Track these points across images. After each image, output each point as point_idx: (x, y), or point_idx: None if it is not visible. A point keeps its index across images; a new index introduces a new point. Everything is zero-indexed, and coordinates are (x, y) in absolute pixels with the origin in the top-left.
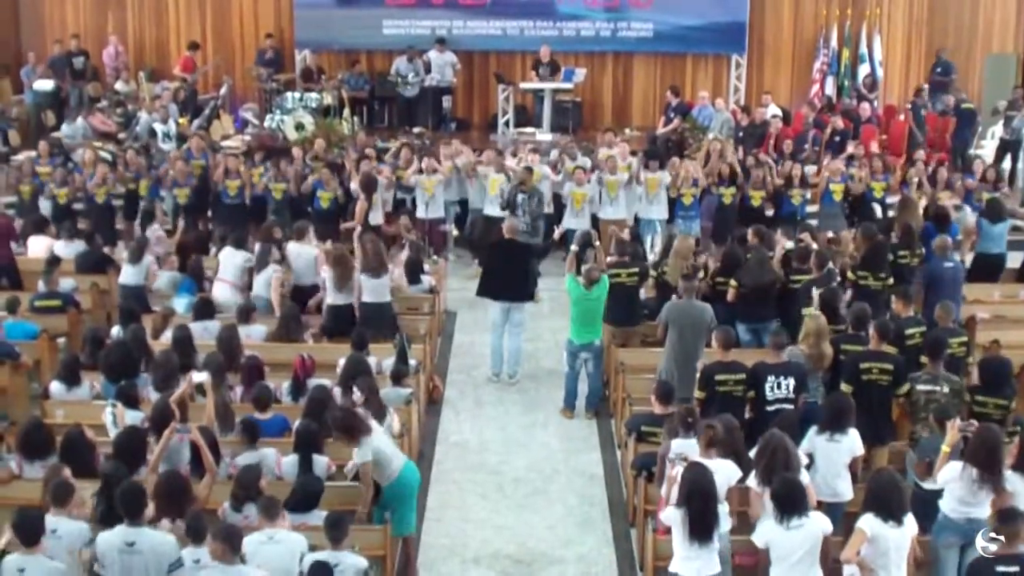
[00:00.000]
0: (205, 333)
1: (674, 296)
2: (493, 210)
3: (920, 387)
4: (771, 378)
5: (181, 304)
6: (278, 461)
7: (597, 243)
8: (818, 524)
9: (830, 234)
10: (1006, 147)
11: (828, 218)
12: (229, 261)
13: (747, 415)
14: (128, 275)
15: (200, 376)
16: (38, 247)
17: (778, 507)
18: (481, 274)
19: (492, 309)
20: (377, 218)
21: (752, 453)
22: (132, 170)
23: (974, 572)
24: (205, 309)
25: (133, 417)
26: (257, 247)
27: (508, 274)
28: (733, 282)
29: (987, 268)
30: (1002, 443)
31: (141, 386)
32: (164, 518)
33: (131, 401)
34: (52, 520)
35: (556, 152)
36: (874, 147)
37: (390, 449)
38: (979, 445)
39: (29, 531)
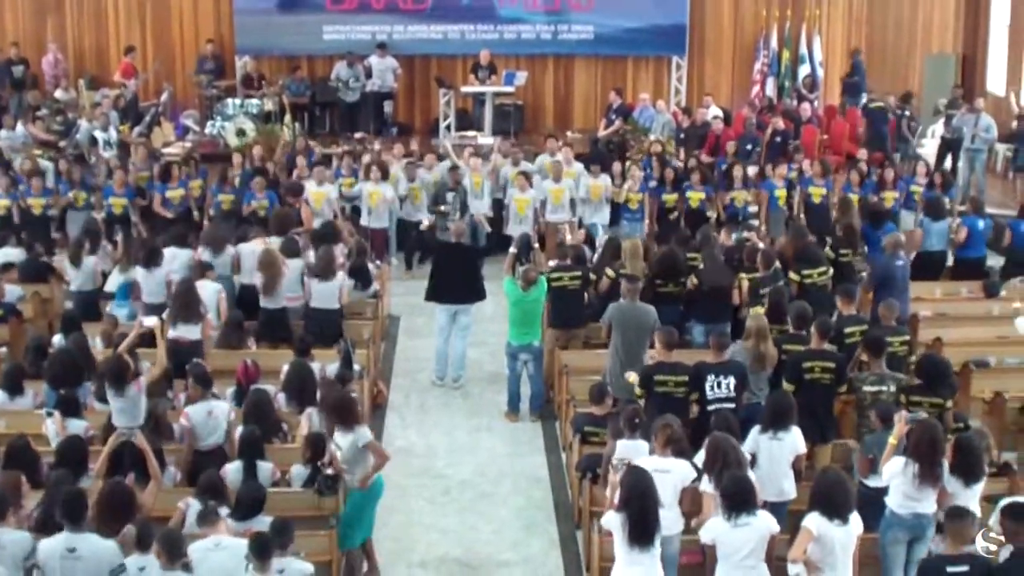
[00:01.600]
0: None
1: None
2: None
3: (867, 388)
4: (711, 377)
5: (122, 312)
6: (229, 416)
7: (536, 245)
8: (765, 523)
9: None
10: (948, 146)
11: (773, 221)
12: (176, 262)
13: (692, 416)
14: (78, 281)
15: (150, 321)
16: None
17: (726, 504)
18: (429, 278)
19: (439, 312)
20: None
21: (698, 457)
22: (66, 179)
23: (924, 572)
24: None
25: (75, 426)
26: (293, 239)
27: (455, 277)
28: (694, 280)
29: (929, 266)
30: (942, 438)
31: (84, 395)
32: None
33: (73, 410)
34: None
35: (498, 156)
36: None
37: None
38: (919, 439)
39: None
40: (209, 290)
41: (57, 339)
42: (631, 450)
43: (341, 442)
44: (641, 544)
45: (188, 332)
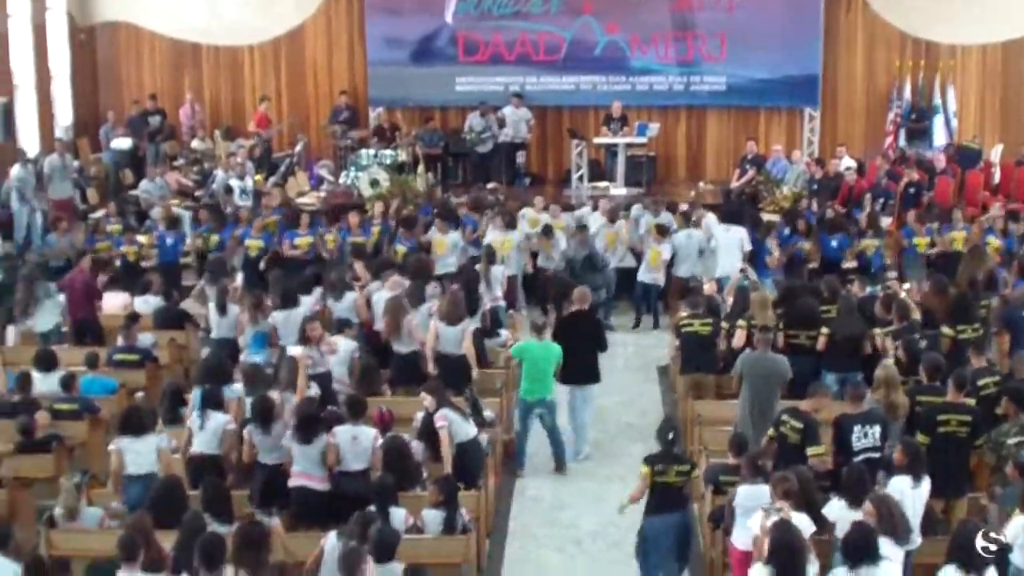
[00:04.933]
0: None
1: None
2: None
3: (1011, 440)
4: (857, 428)
5: (258, 358)
6: (375, 439)
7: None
8: (891, 572)
9: (906, 286)
10: None
11: (909, 269)
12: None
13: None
14: (221, 328)
15: (296, 351)
16: (114, 302)
17: (848, 553)
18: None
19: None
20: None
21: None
22: (205, 226)
23: None
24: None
25: (217, 420)
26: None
27: (574, 353)
28: (825, 330)
29: None
30: None
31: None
32: (241, 570)
33: (215, 403)
34: None
35: (638, 207)
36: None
37: None
38: None
39: None
40: (346, 348)
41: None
42: (753, 495)
43: None
44: None
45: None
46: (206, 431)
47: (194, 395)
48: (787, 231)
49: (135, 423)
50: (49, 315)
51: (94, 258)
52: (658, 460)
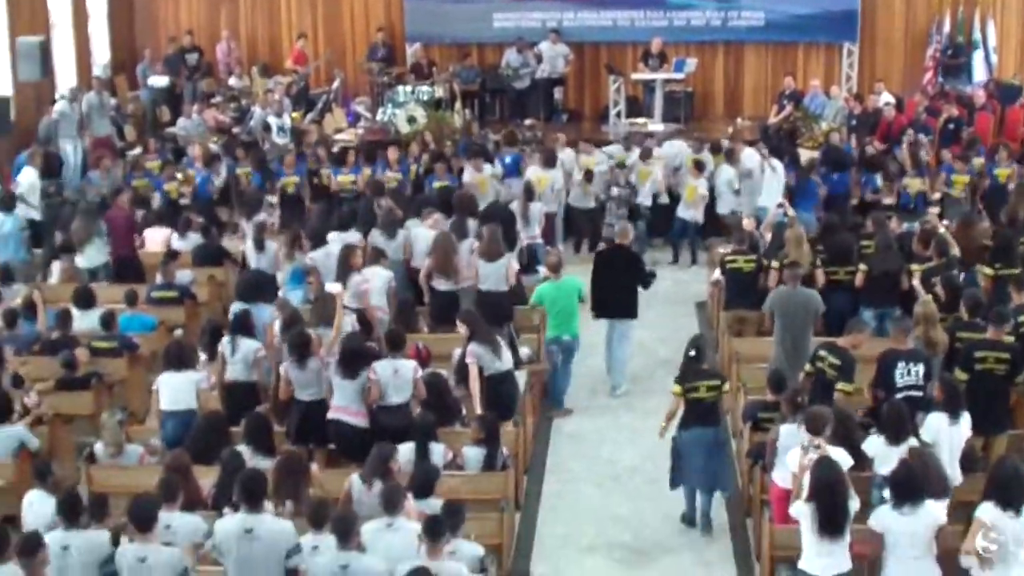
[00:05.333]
0: None
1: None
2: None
3: None
4: (901, 364)
5: (296, 295)
6: (415, 370)
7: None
8: (932, 513)
9: (945, 222)
10: None
11: (950, 208)
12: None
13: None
14: (258, 265)
15: (333, 287)
16: (156, 238)
17: (894, 493)
18: (591, 288)
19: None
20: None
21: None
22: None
23: None
24: None
25: (247, 346)
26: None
27: (613, 287)
28: (862, 267)
29: None
30: None
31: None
32: (280, 501)
33: (246, 330)
34: (165, 516)
35: (678, 143)
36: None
37: None
38: None
39: (143, 518)
40: (381, 278)
41: (236, 307)
42: (794, 434)
43: None
44: (831, 534)
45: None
46: (237, 358)
47: (231, 314)
48: (823, 169)
49: (175, 357)
50: (97, 252)
51: (133, 196)
52: (687, 377)
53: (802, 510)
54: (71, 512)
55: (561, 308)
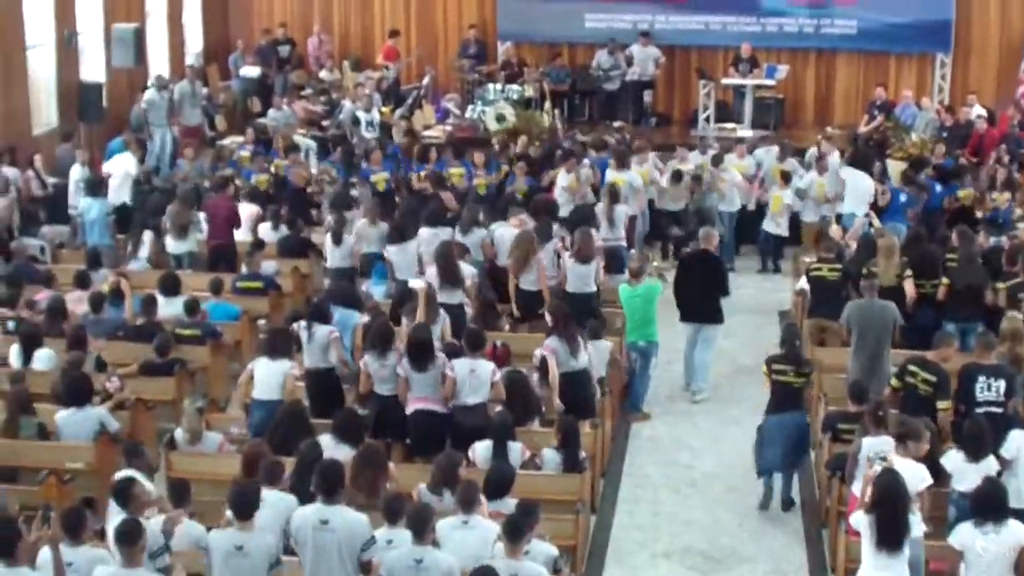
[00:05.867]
0: None
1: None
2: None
3: None
4: (982, 379)
5: (379, 290)
6: (493, 372)
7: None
8: (1015, 533)
9: None
10: None
11: None
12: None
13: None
14: (335, 258)
15: (417, 283)
16: (243, 213)
17: (976, 511)
18: (674, 292)
19: (684, 325)
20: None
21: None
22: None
23: None
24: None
25: (322, 332)
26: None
27: (696, 291)
28: (945, 280)
29: None
30: None
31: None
32: (356, 493)
33: (324, 318)
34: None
35: (762, 151)
36: None
37: None
38: None
39: (244, 505)
40: (467, 272)
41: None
42: (876, 447)
43: None
44: (889, 547)
45: (450, 297)
46: (312, 345)
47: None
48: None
49: (272, 345)
50: (188, 240)
51: (236, 188)
52: (777, 360)
53: (862, 521)
54: (75, 527)
55: (639, 313)
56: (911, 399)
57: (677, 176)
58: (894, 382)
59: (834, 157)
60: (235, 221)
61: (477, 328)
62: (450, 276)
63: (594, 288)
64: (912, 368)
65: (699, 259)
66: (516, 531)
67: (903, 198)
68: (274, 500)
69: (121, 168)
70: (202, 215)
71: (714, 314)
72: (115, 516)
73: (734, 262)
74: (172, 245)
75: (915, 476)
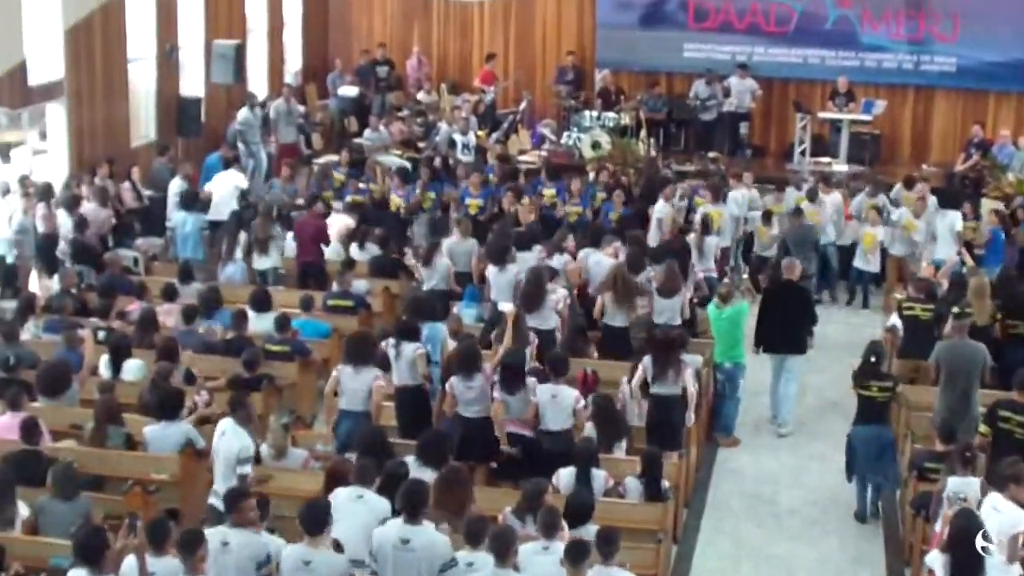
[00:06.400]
0: None
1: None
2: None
3: None
4: None
5: (470, 312)
6: (577, 400)
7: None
8: None
9: None
10: None
11: None
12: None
13: None
14: (429, 280)
15: (506, 307)
16: (336, 223)
17: None
18: (757, 322)
19: (768, 356)
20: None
21: None
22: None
23: None
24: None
25: (408, 348)
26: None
27: (780, 321)
28: None
29: None
30: None
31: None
32: (440, 513)
33: (413, 336)
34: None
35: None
36: None
37: None
38: None
39: (315, 521)
40: (556, 295)
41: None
42: (962, 488)
43: None
44: None
45: (540, 323)
46: (401, 362)
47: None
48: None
49: (354, 351)
50: (271, 256)
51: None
52: (860, 374)
53: (936, 560)
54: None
55: (726, 335)
56: (1004, 442)
57: (767, 216)
58: (982, 428)
59: (932, 200)
60: (323, 239)
61: (563, 353)
62: (533, 303)
63: (679, 320)
64: (1004, 414)
65: (783, 289)
66: (577, 555)
67: (1002, 237)
68: (374, 502)
69: (230, 183)
70: (289, 233)
71: (798, 344)
72: None
73: (835, 291)
74: (256, 260)
75: (1014, 519)
